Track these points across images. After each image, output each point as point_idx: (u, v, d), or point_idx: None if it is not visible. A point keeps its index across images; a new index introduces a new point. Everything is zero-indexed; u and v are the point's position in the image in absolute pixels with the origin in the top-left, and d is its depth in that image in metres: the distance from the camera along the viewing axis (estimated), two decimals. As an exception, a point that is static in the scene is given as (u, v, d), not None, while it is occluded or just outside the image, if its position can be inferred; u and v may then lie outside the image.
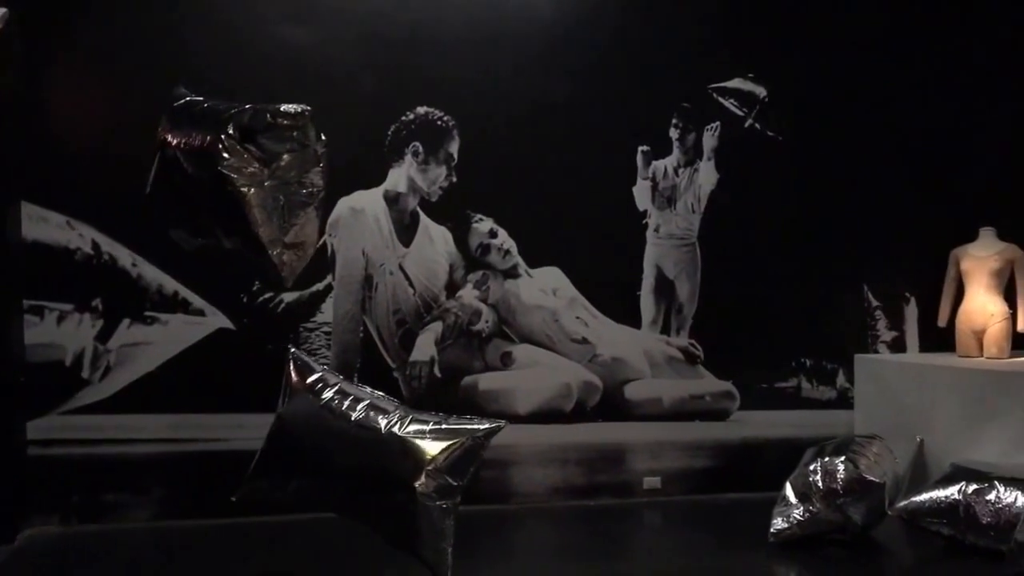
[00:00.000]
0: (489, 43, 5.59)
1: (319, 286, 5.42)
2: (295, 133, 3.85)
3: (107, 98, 5.21)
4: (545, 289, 5.74)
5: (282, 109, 3.81)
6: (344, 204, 5.43)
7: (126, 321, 5.21)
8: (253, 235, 3.83)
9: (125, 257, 5.21)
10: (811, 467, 4.79)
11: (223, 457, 5.19)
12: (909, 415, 5.35)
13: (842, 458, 4.75)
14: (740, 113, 5.93)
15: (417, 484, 3.85)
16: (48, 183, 5.12)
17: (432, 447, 3.91)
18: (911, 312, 6.14)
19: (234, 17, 5.31)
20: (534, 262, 5.71)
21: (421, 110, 5.52)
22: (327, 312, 5.42)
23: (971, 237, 5.64)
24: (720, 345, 5.90)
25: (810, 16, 5.99)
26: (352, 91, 5.41)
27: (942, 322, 5.72)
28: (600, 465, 5.73)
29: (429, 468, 3.87)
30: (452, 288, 5.61)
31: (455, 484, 3.93)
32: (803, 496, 4.74)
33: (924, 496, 4.65)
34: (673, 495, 5.77)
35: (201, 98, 4.04)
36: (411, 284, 5.53)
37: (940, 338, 5.83)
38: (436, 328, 5.55)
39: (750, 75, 5.92)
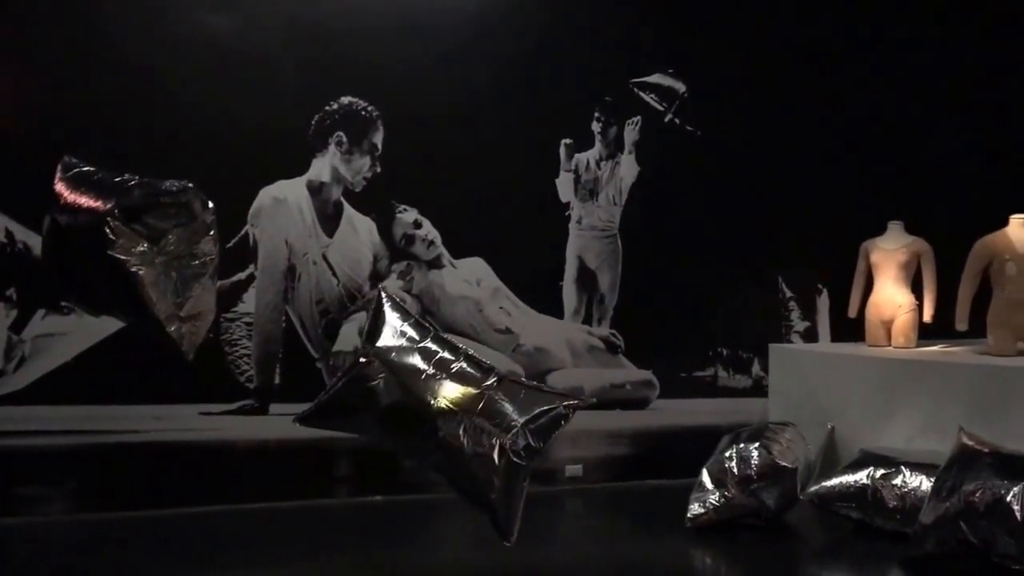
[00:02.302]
0: (414, 34, 5.57)
1: (241, 276, 5.34)
2: (181, 209, 3.84)
3: (20, 83, 5.04)
4: (469, 280, 5.76)
5: (164, 187, 3.80)
6: (266, 193, 5.37)
7: (41, 311, 5.06)
8: (149, 314, 3.82)
9: (39, 246, 5.04)
10: (727, 454, 4.92)
11: (139, 449, 5.11)
12: (821, 403, 5.51)
13: (756, 445, 4.89)
14: (660, 108, 6.03)
15: (507, 439, 3.91)
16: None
17: (527, 407, 4.00)
18: (823, 303, 6.34)
19: (155, 2, 5.20)
20: (458, 253, 5.73)
21: (345, 100, 5.48)
22: (249, 302, 5.35)
23: (880, 231, 5.83)
24: (640, 335, 6.01)
25: (728, 14, 6.12)
26: (275, 79, 5.35)
27: (852, 313, 5.89)
28: (523, 454, 5.77)
29: (520, 427, 3.93)
30: (376, 278, 5.59)
31: (537, 447, 3.99)
32: (719, 482, 4.86)
33: (834, 481, 4.81)
34: (594, 483, 5.86)
35: (90, 168, 3.94)
36: (335, 274, 5.50)
37: (850, 328, 6.02)
38: (360, 318, 5.52)
39: (670, 71, 6.03)
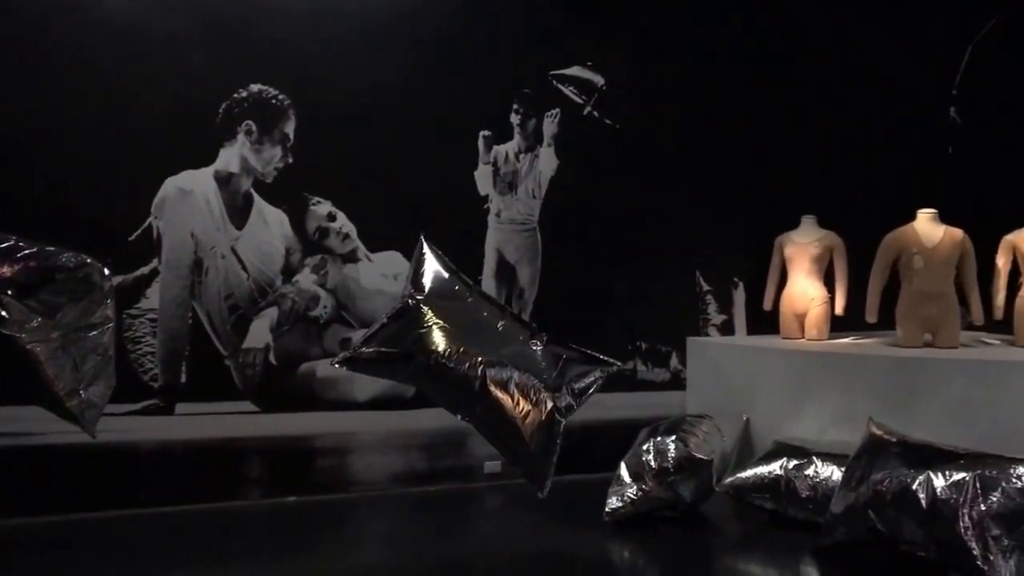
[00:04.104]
0: (328, 20, 5.45)
1: (144, 270, 5.15)
2: (79, 283, 3.79)
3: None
4: (386, 274, 5.65)
5: (61, 262, 3.73)
6: (171, 184, 5.18)
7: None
8: (48, 391, 3.76)
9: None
10: (644, 447, 4.93)
11: (35, 452, 4.88)
12: (737, 395, 5.56)
13: (673, 437, 4.90)
14: (579, 101, 6.01)
15: (553, 397, 4.06)
16: None
17: (569, 367, 4.20)
18: (739, 296, 6.41)
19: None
20: (374, 246, 5.62)
21: (254, 87, 5.33)
22: (153, 298, 5.16)
23: (794, 225, 5.90)
24: (560, 329, 5.94)
25: (646, 7, 6.14)
26: (180, 65, 5.17)
27: (767, 306, 5.96)
28: (442, 451, 5.71)
29: (567, 386, 4.11)
30: (288, 272, 5.45)
31: (574, 407, 4.20)
32: (636, 475, 4.86)
33: (749, 472, 4.85)
34: (514, 478, 5.80)
35: None
36: (244, 268, 5.34)
37: (766, 321, 6.09)
38: (271, 314, 5.38)
39: (589, 63, 6.01)
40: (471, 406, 4.12)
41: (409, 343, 4.06)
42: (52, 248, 3.81)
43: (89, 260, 3.83)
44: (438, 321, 4.10)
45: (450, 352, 4.02)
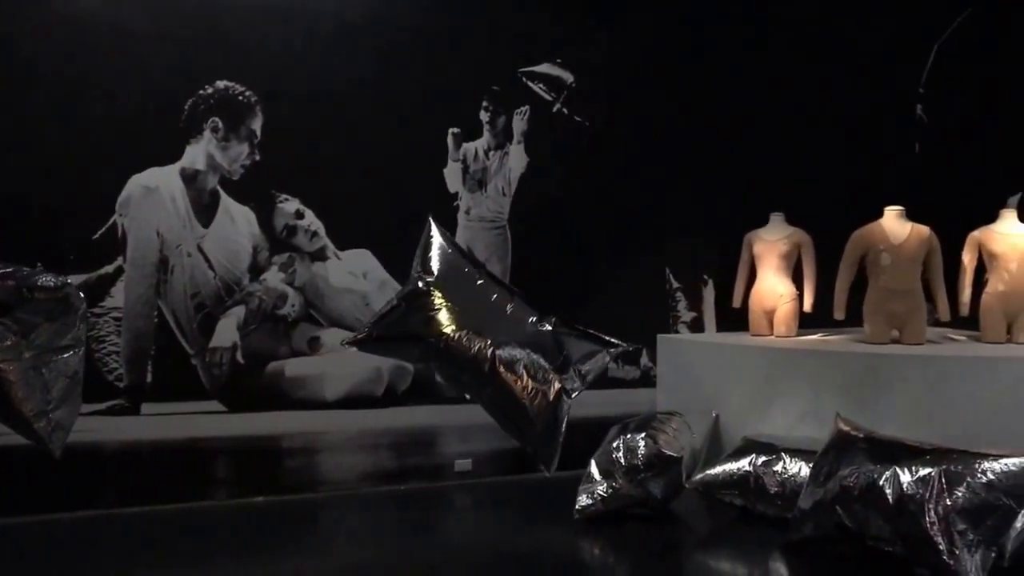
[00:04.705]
0: (295, 17, 5.40)
1: (108, 269, 5.08)
2: (57, 304, 3.75)
3: None
4: (355, 272, 5.62)
5: (40, 282, 3.70)
6: (136, 182, 5.11)
7: None
8: (16, 412, 3.72)
9: None
10: (614, 444, 4.93)
11: None
12: (706, 392, 5.58)
13: (643, 435, 4.91)
14: (549, 98, 6.00)
15: (561, 379, 4.16)
16: None
17: (578, 349, 4.29)
18: (709, 294, 6.43)
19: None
20: (343, 244, 5.58)
21: (221, 84, 5.27)
22: (118, 296, 5.09)
23: (763, 222, 5.93)
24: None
25: (617, 5, 6.14)
26: (146, 61, 5.10)
27: (736, 303, 5.98)
28: (411, 449, 5.68)
29: (575, 367, 4.23)
30: (256, 271, 5.39)
31: (581, 388, 4.32)
32: (607, 473, 4.86)
33: (718, 469, 4.87)
34: (484, 476, 5.80)
35: None
36: (211, 267, 5.28)
37: (735, 318, 6.11)
38: (238, 312, 5.33)
39: (558, 60, 6.00)
40: (480, 388, 4.21)
41: (419, 325, 4.15)
42: (27, 269, 3.78)
43: (68, 281, 3.83)
44: (447, 303, 4.19)
45: (459, 334, 4.11)
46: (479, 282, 4.42)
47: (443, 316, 4.18)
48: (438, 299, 4.21)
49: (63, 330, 3.79)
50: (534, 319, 4.35)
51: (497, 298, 4.38)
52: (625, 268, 6.18)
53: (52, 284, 3.73)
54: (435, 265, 4.37)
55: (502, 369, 4.12)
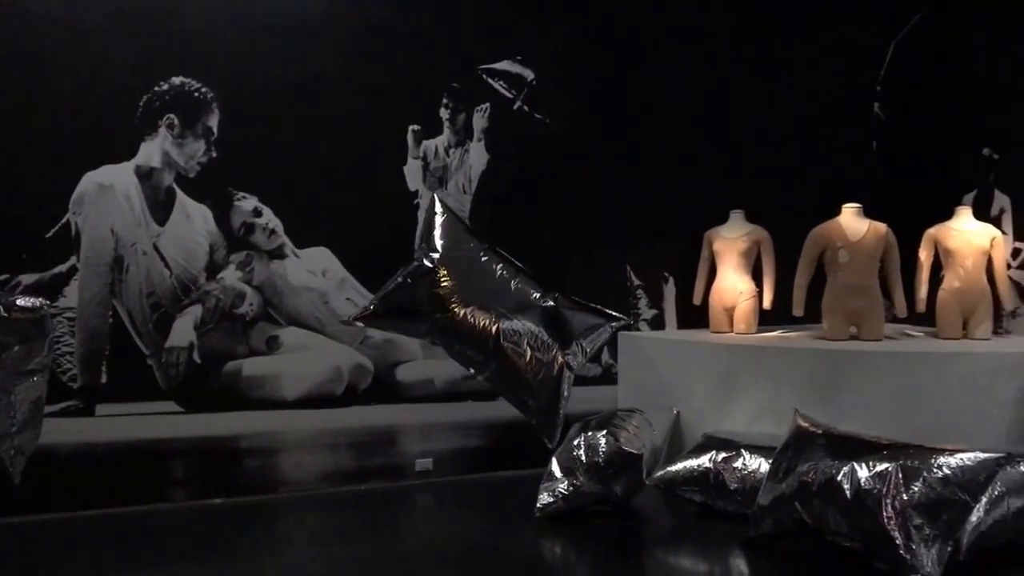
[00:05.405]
0: (252, 12, 5.33)
1: (62, 268, 4.98)
2: (33, 325, 3.71)
3: None
4: (314, 270, 5.56)
5: (18, 303, 3.65)
6: (90, 179, 5.02)
7: None
8: None
9: None
10: (575, 442, 4.92)
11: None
12: (667, 389, 5.58)
13: (604, 432, 4.90)
14: (509, 95, 5.98)
15: (565, 353, 4.27)
16: None
17: (581, 323, 4.38)
18: (669, 291, 6.45)
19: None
20: (302, 242, 5.52)
21: (176, 80, 5.18)
22: (71, 296, 4.99)
23: (723, 220, 5.95)
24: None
25: (577, 2, 6.13)
26: (100, 56, 5.01)
27: (697, 300, 6.00)
28: (371, 449, 5.64)
29: (577, 340, 4.34)
30: (213, 269, 5.32)
31: (583, 361, 4.50)
32: (568, 471, 4.85)
33: (679, 466, 4.88)
34: (445, 475, 5.78)
35: None
36: (167, 265, 5.20)
37: (696, 315, 6.14)
38: (195, 312, 5.25)
39: (518, 57, 5.98)
40: (485, 362, 4.31)
41: (424, 301, 4.24)
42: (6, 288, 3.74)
43: (46, 303, 3.78)
44: (452, 279, 4.22)
45: (464, 310, 4.16)
46: (483, 258, 4.52)
47: (448, 292, 4.27)
48: (443, 275, 4.31)
49: (32, 354, 3.74)
50: (538, 294, 4.44)
51: (502, 274, 4.47)
52: (586, 266, 6.17)
53: (30, 305, 3.68)
54: (439, 241, 4.44)
55: (506, 344, 4.22)
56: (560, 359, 4.33)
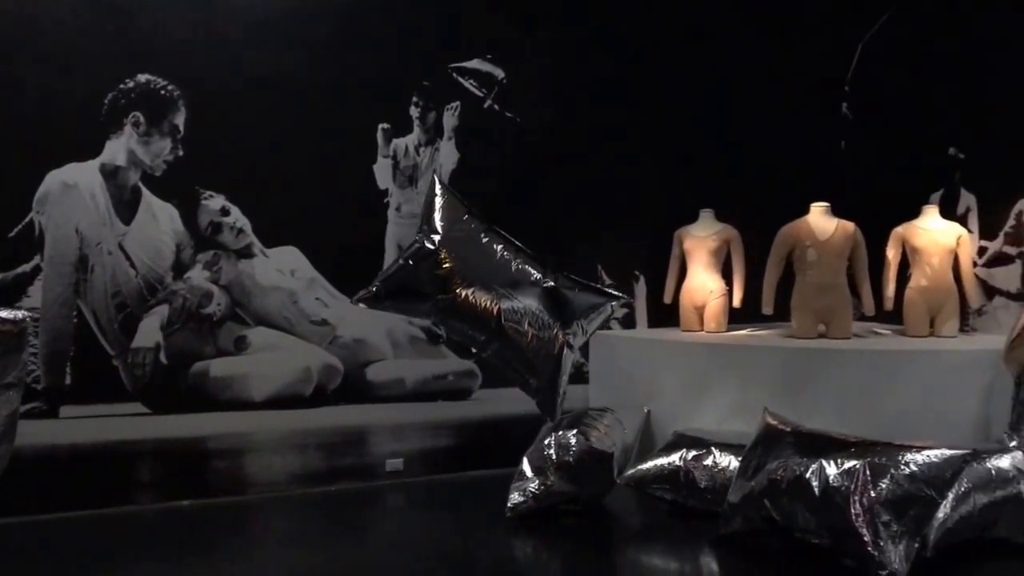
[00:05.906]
0: (219, 9, 5.28)
1: (25, 268, 4.90)
2: (15, 338, 3.66)
3: None
4: (282, 269, 5.52)
5: (1, 316, 3.62)
6: (54, 178, 4.94)
7: None
8: None
9: None
10: (546, 441, 4.91)
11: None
12: (638, 387, 5.60)
13: (575, 431, 4.89)
14: (479, 94, 5.96)
15: (566, 332, 4.32)
16: None
17: (582, 302, 4.44)
18: (640, 290, 6.46)
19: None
20: (270, 241, 5.47)
21: (142, 78, 5.12)
22: (35, 296, 4.91)
23: (693, 218, 5.97)
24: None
25: (546, 1, 6.13)
26: (64, 53, 4.93)
27: (667, 299, 6.02)
28: (341, 449, 5.61)
29: (578, 320, 4.38)
30: (180, 269, 5.26)
31: (584, 340, 4.58)
32: (539, 470, 4.84)
33: (649, 464, 4.88)
34: (416, 476, 5.75)
35: None
36: (133, 265, 5.13)
37: (666, 314, 6.15)
38: (162, 312, 5.19)
39: (489, 56, 5.97)
40: (487, 342, 4.37)
41: (426, 283, 4.28)
42: None
43: (27, 315, 3.74)
44: (453, 261, 4.26)
45: (466, 291, 4.18)
46: (484, 238, 4.54)
47: (449, 273, 4.30)
48: (444, 256, 4.34)
49: (10, 367, 3.68)
50: (539, 274, 4.49)
51: (503, 254, 4.50)
52: (556, 264, 6.13)
53: (12, 317, 3.64)
54: (440, 223, 4.46)
55: (508, 324, 4.28)
56: (561, 338, 4.39)
